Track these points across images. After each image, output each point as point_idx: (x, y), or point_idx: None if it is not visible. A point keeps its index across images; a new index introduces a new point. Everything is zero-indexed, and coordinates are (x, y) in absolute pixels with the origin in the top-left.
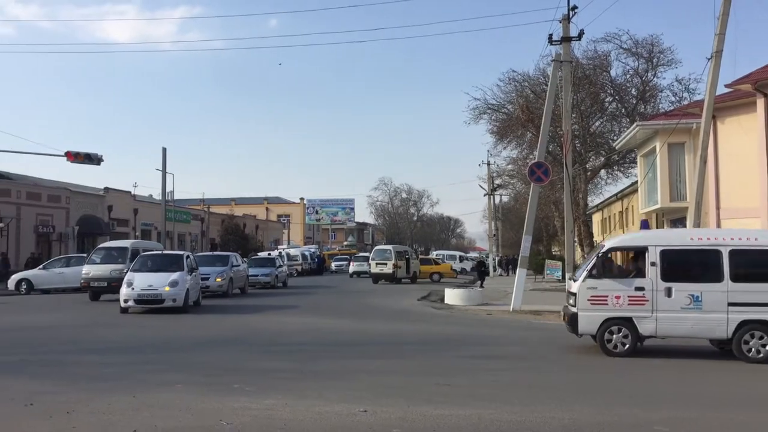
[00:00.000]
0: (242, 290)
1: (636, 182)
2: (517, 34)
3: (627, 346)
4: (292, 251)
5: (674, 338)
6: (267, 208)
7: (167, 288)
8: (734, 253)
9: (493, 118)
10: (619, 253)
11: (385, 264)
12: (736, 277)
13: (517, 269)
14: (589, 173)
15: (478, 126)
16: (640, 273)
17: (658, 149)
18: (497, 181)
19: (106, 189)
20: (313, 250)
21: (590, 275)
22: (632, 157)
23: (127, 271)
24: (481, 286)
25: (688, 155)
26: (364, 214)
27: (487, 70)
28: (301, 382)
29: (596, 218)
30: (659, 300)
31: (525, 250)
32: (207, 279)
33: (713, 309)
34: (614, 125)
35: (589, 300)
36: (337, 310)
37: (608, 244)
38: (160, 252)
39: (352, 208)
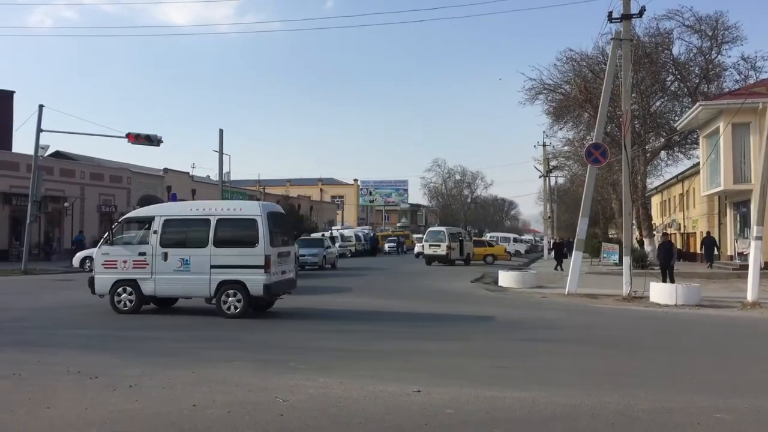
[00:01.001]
0: None
1: (698, 164)
2: (575, 12)
3: (132, 304)
4: (346, 232)
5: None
6: (321, 189)
7: None
8: (220, 222)
9: (549, 98)
10: None
11: (439, 245)
12: (218, 243)
13: (573, 252)
14: (648, 154)
15: (534, 107)
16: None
17: (721, 130)
18: (553, 163)
19: (166, 170)
20: (366, 231)
21: (105, 242)
22: (694, 137)
23: None
24: (561, 268)
25: (754, 136)
26: (417, 196)
27: (544, 50)
28: (355, 361)
29: (655, 200)
30: (157, 264)
31: (581, 233)
32: None
33: (199, 271)
34: (675, 105)
35: (103, 264)
36: (390, 291)
37: (126, 215)
38: None
39: (406, 190)
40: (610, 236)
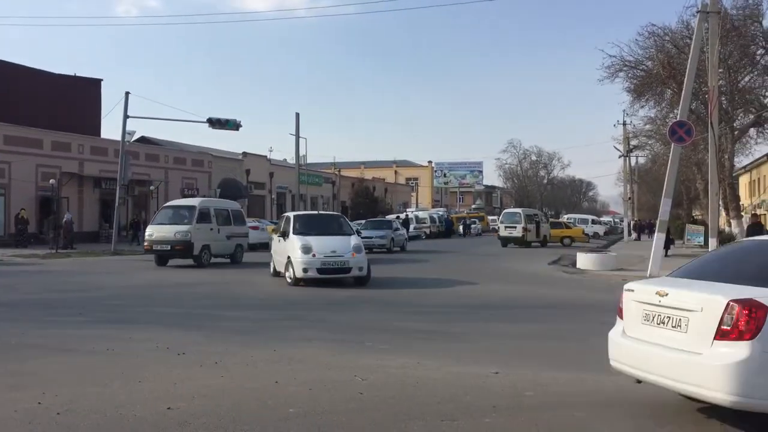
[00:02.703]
0: None
1: None
2: None
3: None
4: (421, 214)
5: None
6: (396, 171)
7: (354, 254)
8: None
9: (629, 75)
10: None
11: (515, 227)
12: None
13: (655, 234)
14: (736, 132)
15: (613, 85)
16: None
17: None
18: (633, 142)
19: (244, 153)
20: (441, 212)
21: None
22: None
23: (289, 234)
24: (666, 254)
25: None
26: (492, 177)
27: (623, 26)
28: (434, 342)
29: (743, 180)
30: None
31: (664, 214)
32: None
33: None
34: (766, 80)
35: None
36: (467, 273)
37: None
38: (316, 212)
39: (481, 171)
40: (694, 217)
